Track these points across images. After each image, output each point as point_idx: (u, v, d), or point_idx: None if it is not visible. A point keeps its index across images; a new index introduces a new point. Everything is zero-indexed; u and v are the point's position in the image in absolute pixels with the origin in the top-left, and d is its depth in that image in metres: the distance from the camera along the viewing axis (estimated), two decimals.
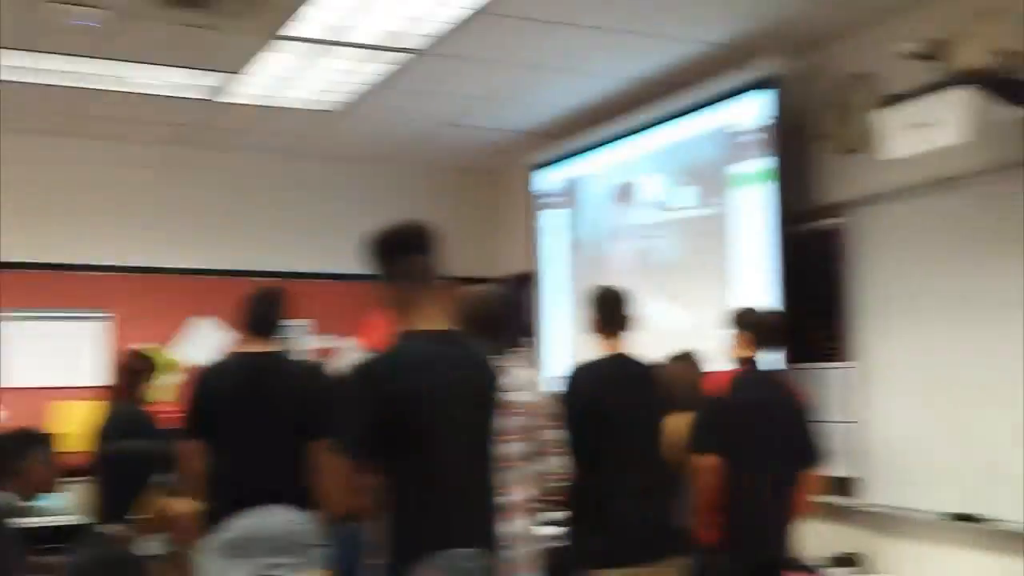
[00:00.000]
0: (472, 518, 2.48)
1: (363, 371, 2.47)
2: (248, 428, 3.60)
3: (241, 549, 3.51)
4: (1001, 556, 3.71)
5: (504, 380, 3.26)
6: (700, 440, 3.69)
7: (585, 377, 3.70)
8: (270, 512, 3.55)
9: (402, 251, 2.52)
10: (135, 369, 4.83)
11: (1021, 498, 3.60)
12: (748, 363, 3.84)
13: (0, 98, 5.19)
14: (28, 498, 4.16)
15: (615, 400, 3.62)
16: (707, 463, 3.67)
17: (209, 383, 3.69)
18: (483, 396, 2.64)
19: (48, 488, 4.27)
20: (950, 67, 3.46)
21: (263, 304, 3.82)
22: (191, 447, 3.66)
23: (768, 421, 3.72)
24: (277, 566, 3.52)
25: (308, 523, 3.60)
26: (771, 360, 3.93)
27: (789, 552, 3.82)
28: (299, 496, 3.59)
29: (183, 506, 2.67)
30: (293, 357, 4.38)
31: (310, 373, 3.82)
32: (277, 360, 3.77)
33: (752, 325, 3.89)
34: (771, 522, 3.74)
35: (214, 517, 3.60)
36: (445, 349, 2.52)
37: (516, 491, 3.26)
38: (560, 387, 3.67)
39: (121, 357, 4.97)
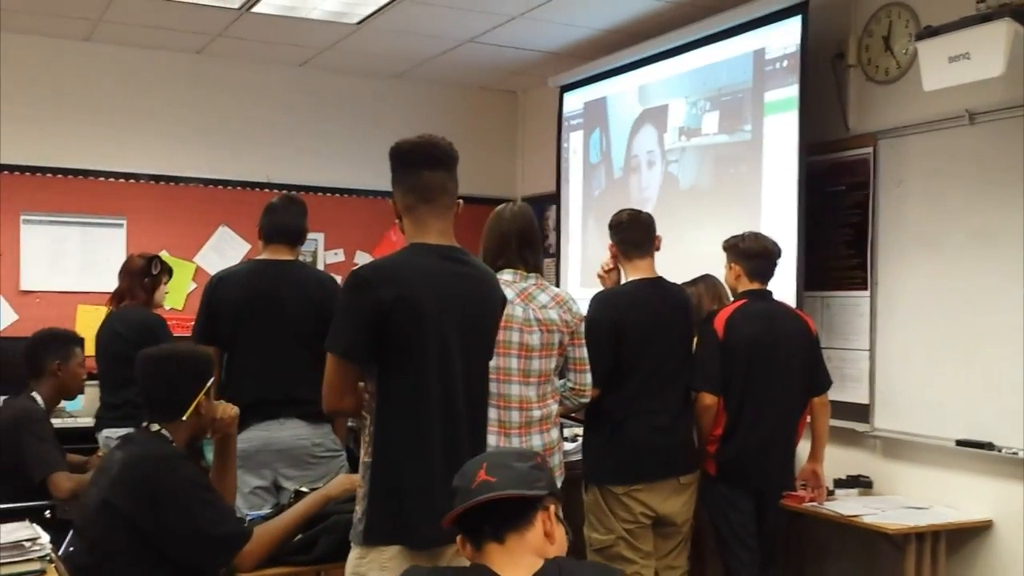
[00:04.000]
0: (456, 431, 2.45)
1: (358, 275, 2.47)
2: (262, 336, 3.58)
3: (252, 460, 3.52)
4: (1006, 481, 3.82)
5: (535, 297, 3.33)
6: (698, 378, 3.76)
7: (616, 298, 3.76)
8: (280, 424, 3.56)
9: (416, 165, 2.49)
10: (145, 273, 4.71)
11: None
12: (746, 296, 3.87)
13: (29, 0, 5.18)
14: (62, 399, 4.25)
15: (644, 322, 3.68)
16: (706, 401, 3.75)
17: (225, 290, 3.65)
18: (482, 313, 2.59)
19: (80, 390, 4.36)
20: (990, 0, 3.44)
21: (283, 213, 3.77)
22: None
23: (766, 356, 3.75)
24: (288, 478, 3.54)
25: (319, 435, 3.61)
26: (777, 289, 3.94)
27: (788, 479, 3.92)
28: (313, 406, 3.64)
29: (225, 409, 2.76)
30: (310, 267, 4.34)
31: (325, 283, 3.75)
32: (294, 269, 3.73)
33: (742, 256, 3.90)
34: (770, 453, 3.81)
35: None
36: (446, 264, 2.49)
37: (546, 405, 3.36)
38: (590, 307, 3.72)
39: (131, 261, 4.84)
